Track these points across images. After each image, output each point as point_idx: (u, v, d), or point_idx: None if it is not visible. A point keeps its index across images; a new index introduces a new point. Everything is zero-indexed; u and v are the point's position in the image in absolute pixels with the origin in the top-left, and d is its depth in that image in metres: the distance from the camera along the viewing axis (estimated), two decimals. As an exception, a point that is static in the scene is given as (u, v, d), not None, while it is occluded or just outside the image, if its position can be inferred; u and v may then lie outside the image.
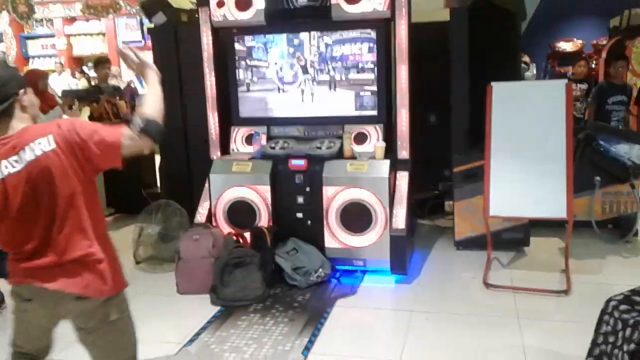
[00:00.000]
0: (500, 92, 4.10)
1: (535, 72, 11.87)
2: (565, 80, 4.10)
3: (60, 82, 11.76)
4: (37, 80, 5.75)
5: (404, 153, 4.22)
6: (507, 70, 4.66)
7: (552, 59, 12.69)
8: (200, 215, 4.44)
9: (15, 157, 1.89)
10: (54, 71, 12.30)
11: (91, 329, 2.06)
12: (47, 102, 5.73)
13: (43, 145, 1.89)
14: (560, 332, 3.28)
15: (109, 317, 2.04)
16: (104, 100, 6.27)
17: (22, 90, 1.98)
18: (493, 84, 4.11)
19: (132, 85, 9.32)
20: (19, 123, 1.95)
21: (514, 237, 4.50)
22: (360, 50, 4.30)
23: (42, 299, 1.99)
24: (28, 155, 1.89)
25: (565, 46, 12.71)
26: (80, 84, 11.77)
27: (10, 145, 1.91)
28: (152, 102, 2.05)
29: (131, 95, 8.06)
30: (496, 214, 4.07)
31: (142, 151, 2.02)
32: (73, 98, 6.03)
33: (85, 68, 13.05)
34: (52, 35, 14.36)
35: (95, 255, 1.99)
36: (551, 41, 12.79)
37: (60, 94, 6.11)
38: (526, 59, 10.86)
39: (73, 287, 1.95)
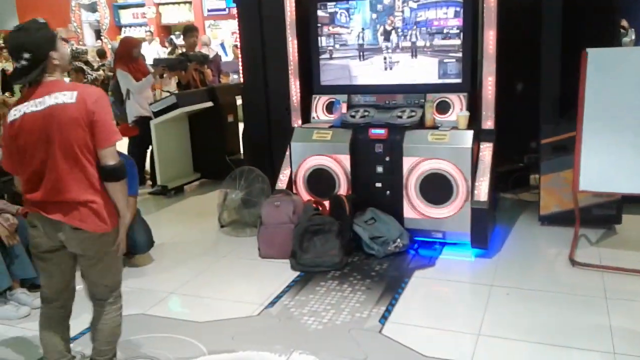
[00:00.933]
0: (597, 58, 3.84)
1: (633, 37, 11.04)
2: (671, 46, 3.78)
3: (151, 51, 12.25)
4: (130, 49, 6.00)
5: (488, 123, 4.09)
6: (604, 35, 4.35)
7: (654, 23, 11.71)
8: (281, 182, 4.53)
9: (40, 100, 2.27)
10: (144, 39, 12.82)
11: (89, 257, 2.42)
12: (140, 70, 5.98)
13: (66, 97, 2.25)
14: (653, 314, 3.12)
15: (105, 249, 2.41)
16: (192, 68, 6.46)
17: (52, 51, 2.29)
18: (589, 50, 3.86)
19: (219, 56, 9.54)
20: (50, 76, 2.31)
21: (604, 214, 4.27)
22: (445, 14, 4.16)
23: (44, 225, 2.35)
24: (51, 100, 2.25)
25: (671, 8, 11.66)
26: (167, 53, 12.19)
27: (38, 91, 2.28)
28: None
29: (217, 66, 8.27)
30: (586, 188, 3.87)
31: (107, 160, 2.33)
32: (164, 67, 6.25)
33: (173, 37, 13.48)
34: (142, 5, 14.90)
35: (89, 197, 2.31)
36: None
37: (151, 62, 6.35)
38: (624, 23, 10.10)
39: (71, 219, 2.31)
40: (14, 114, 2.30)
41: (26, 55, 2.24)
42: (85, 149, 2.28)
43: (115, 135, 2.34)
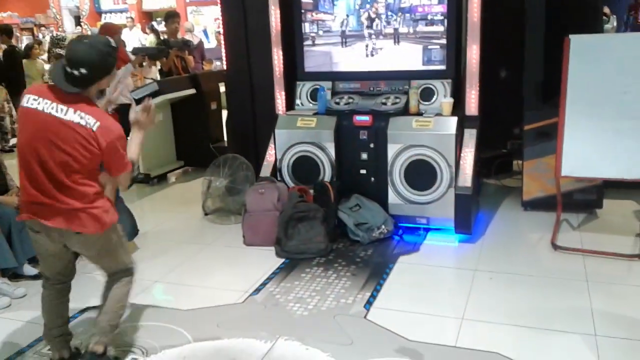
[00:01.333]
0: (579, 45, 3.86)
1: (615, 24, 11.14)
2: (651, 33, 3.82)
3: (131, 37, 12.05)
4: (110, 36, 5.89)
5: (472, 109, 4.10)
6: (586, 21, 4.38)
7: (634, 11, 11.80)
8: (266, 170, 4.51)
9: (63, 107, 2.27)
10: (125, 26, 12.61)
11: (94, 255, 2.54)
12: (120, 57, 5.88)
13: (89, 121, 2.27)
14: (632, 296, 3.17)
15: (108, 244, 2.49)
16: (173, 54, 6.38)
17: (106, 77, 2.34)
18: (571, 36, 3.88)
19: (202, 42, 9.42)
20: (86, 92, 2.34)
21: (586, 199, 4.33)
22: (430, 1, 4.15)
23: (47, 232, 2.40)
24: (74, 117, 2.26)
25: (651, -4, 11.76)
26: (149, 39, 12.03)
27: (68, 99, 2.28)
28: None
29: (201, 53, 8.17)
30: (569, 173, 3.91)
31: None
32: (143, 56, 6.16)
33: (154, 23, 13.29)
34: (122, -9, 14.62)
35: (89, 205, 2.36)
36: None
37: (131, 51, 6.25)
38: (606, 10, 10.18)
39: (71, 225, 2.35)
40: (33, 103, 2.30)
41: (83, 71, 2.26)
42: (89, 168, 2.33)
43: (121, 169, 2.40)
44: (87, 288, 3.51)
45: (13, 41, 9.50)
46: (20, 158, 2.37)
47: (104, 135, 2.29)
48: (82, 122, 2.26)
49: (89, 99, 2.35)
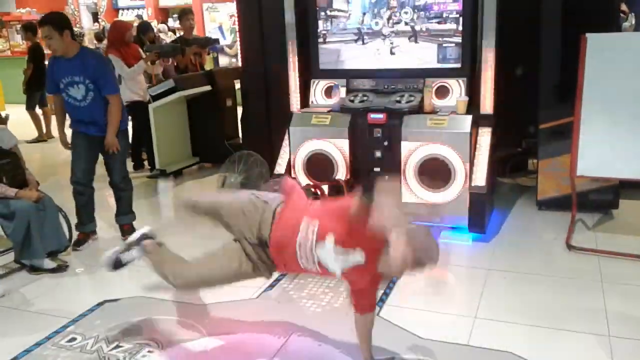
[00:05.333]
0: (596, 43, 3.83)
1: (633, 22, 11.00)
2: (670, 31, 3.78)
3: (147, 34, 12.06)
4: (123, 32, 5.93)
5: (487, 108, 4.08)
6: (603, 19, 4.34)
7: (655, 8, 11.63)
8: (280, 167, 4.54)
9: None
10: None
11: None
12: (132, 55, 5.92)
13: None
14: (647, 298, 3.15)
15: None
16: (191, 52, 6.43)
17: None
18: (588, 35, 3.85)
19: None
20: None
21: (601, 199, 4.30)
22: (445, -1, 4.14)
23: None
24: None
25: (672, -7, 11.58)
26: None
27: None
28: None
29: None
30: (584, 173, 3.89)
31: None
32: (156, 53, 6.19)
33: (171, 20, 13.35)
34: (140, -13, 14.66)
35: None
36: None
37: (144, 49, 6.28)
38: (624, 8, 10.05)
39: None
40: None
41: None
42: None
43: None
44: (104, 281, 3.57)
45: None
46: None
47: None
48: None
49: None
